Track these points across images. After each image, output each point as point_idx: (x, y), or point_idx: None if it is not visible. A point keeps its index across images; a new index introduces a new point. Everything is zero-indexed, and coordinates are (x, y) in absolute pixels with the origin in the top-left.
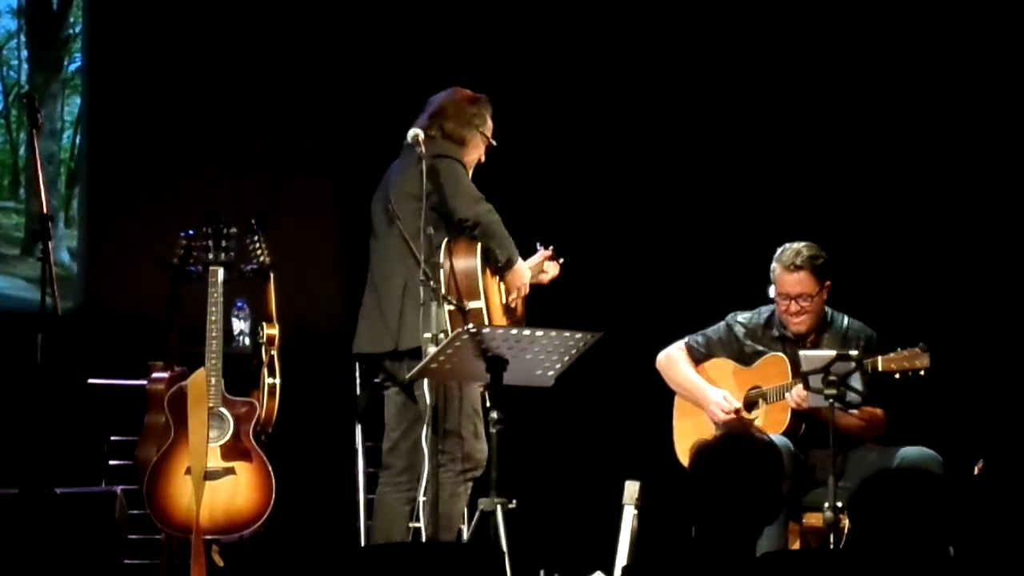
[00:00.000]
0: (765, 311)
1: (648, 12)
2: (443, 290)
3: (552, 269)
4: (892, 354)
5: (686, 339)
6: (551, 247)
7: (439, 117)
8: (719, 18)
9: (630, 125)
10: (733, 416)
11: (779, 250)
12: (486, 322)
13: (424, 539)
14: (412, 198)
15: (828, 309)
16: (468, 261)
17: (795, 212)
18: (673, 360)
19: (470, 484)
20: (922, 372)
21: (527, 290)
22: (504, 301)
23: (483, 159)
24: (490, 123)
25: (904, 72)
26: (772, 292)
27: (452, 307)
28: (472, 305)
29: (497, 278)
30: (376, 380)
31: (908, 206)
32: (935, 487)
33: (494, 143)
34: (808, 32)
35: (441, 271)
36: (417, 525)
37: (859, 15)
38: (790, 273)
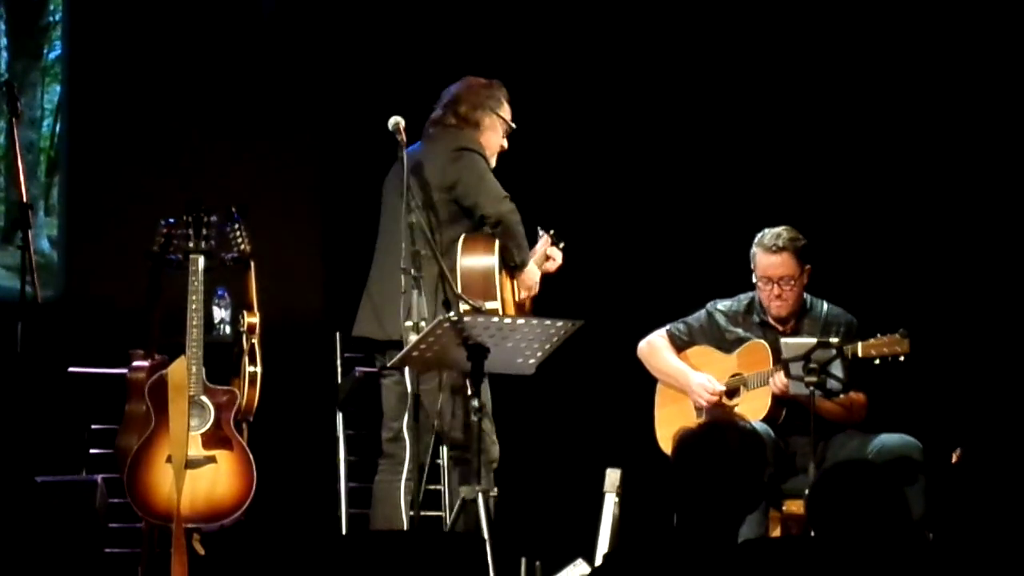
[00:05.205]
0: (744, 298)
1: (621, 4)
2: (458, 288)
3: (556, 256)
4: (872, 340)
5: (667, 327)
6: (551, 231)
7: (453, 104)
8: (697, 10)
9: (609, 116)
10: (717, 399)
11: (759, 235)
12: None
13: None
14: (433, 188)
15: (807, 296)
16: (485, 260)
17: (773, 199)
18: (655, 347)
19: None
20: (902, 358)
21: (537, 289)
22: (517, 299)
23: (505, 145)
24: (507, 106)
25: (878, 61)
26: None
27: (468, 307)
28: (489, 306)
29: (509, 276)
30: (377, 366)
31: (887, 193)
32: (888, 480)
33: (513, 126)
34: (786, 22)
35: (458, 268)
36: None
37: (833, 7)
38: (772, 255)
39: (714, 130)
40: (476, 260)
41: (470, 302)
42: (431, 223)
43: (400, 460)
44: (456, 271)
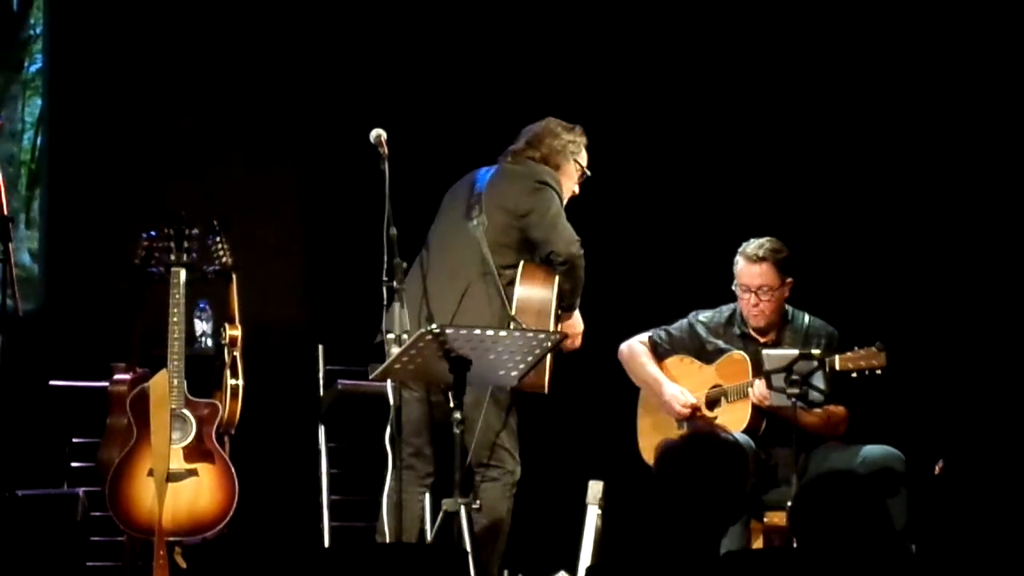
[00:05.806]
0: (726, 310)
1: (598, 14)
2: (512, 311)
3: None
4: (849, 353)
5: (650, 332)
6: None
7: (535, 142)
8: (677, 24)
9: (596, 124)
10: (689, 411)
11: (743, 244)
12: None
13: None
14: (505, 212)
15: (788, 307)
16: (544, 292)
17: (756, 210)
18: (635, 352)
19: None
20: (879, 371)
21: (579, 342)
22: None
23: (577, 191)
24: (585, 153)
25: (861, 77)
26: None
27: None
28: None
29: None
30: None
31: (867, 205)
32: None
33: (588, 173)
34: (769, 39)
35: (515, 294)
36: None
37: (819, 16)
38: (753, 264)
39: (701, 142)
40: (534, 290)
41: (524, 327)
42: (493, 241)
43: (423, 474)
44: (512, 296)
